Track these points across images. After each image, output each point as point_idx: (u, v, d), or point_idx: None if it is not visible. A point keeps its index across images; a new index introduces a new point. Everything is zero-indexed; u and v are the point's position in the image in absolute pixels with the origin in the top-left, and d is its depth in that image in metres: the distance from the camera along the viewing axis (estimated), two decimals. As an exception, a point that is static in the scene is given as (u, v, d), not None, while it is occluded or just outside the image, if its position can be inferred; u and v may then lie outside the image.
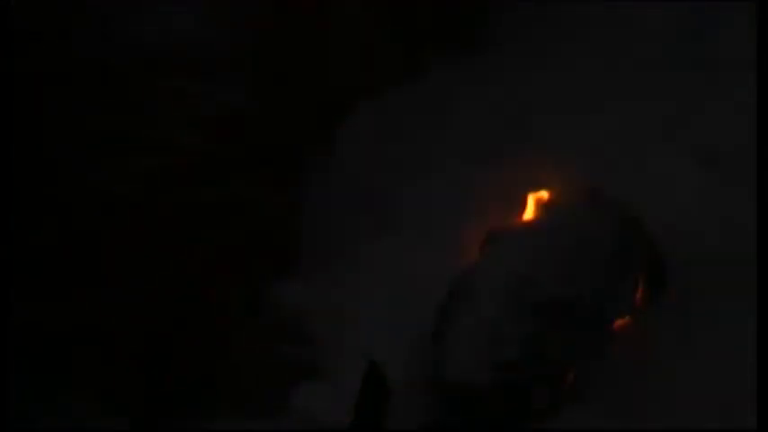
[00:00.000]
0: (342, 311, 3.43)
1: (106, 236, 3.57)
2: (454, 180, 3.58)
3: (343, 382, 3.18)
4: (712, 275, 3.23)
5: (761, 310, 2.97)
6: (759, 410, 2.85)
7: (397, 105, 3.79)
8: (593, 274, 3.03)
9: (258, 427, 3.25)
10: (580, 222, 3.10)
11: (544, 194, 3.24)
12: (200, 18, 3.83)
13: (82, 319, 3.47)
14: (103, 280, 3.54)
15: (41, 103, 3.63)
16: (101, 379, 3.40)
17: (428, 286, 3.28)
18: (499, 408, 2.99)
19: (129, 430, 3.37)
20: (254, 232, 3.67)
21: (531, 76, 3.79)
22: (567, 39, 3.84)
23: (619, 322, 3.07)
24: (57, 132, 3.63)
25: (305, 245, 3.65)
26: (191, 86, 3.76)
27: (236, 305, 3.54)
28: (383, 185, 3.65)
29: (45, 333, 3.44)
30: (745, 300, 3.08)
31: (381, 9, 3.90)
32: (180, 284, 3.54)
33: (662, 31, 3.81)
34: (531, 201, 3.24)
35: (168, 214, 3.63)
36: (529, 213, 3.23)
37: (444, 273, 3.21)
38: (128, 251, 3.58)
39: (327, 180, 3.73)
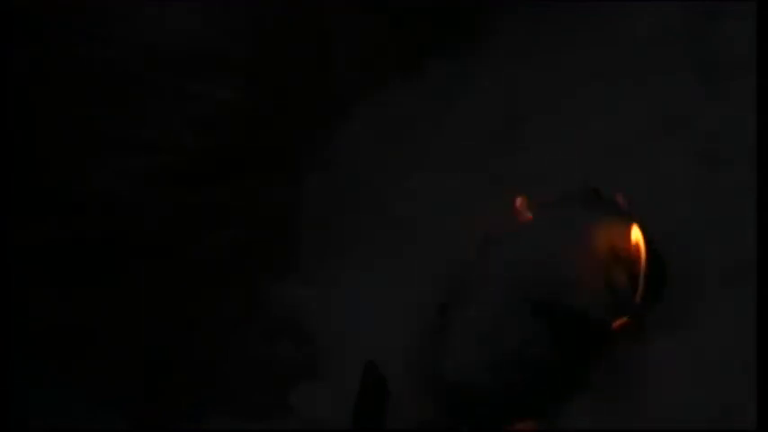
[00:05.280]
0: (342, 311, 3.43)
1: (105, 236, 3.57)
2: (454, 180, 3.58)
3: (342, 382, 3.18)
4: (712, 275, 3.22)
5: (761, 311, 2.97)
6: (759, 410, 2.85)
7: (396, 105, 3.80)
8: (592, 274, 3.02)
9: (258, 427, 3.25)
10: (579, 223, 3.09)
11: (543, 194, 3.23)
12: (200, 18, 3.82)
13: (81, 319, 3.47)
14: (103, 280, 3.54)
15: (40, 102, 3.63)
16: (101, 379, 3.40)
17: (428, 286, 3.28)
18: (499, 408, 2.98)
19: (129, 430, 3.37)
20: (254, 232, 3.67)
21: (531, 76, 3.79)
22: (567, 38, 3.84)
23: (618, 322, 3.07)
24: (56, 132, 3.63)
25: (305, 245, 3.65)
26: (190, 86, 3.75)
27: (236, 305, 3.55)
28: (383, 185, 3.65)
29: (44, 333, 3.44)
30: (744, 299, 3.07)
31: (380, 8, 3.90)
32: (179, 284, 3.54)
33: (663, 31, 3.80)
34: (530, 201, 3.24)
35: (168, 214, 3.63)
36: (528, 213, 3.22)
37: (444, 272, 3.21)
38: (127, 251, 3.58)
39: (327, 180, 3.73)
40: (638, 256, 3.12)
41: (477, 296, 3.04)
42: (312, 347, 3.41)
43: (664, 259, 3.17)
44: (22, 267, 3.44)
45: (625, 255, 3.10)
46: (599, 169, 3.39)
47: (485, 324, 3.00)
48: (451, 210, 3.47)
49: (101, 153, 3.65)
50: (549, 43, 3.83)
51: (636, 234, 3.15)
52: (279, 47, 3.86)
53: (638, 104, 3.63)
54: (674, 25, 3.79)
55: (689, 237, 3.26)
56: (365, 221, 3.60)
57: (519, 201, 3.20)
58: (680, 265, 3.19)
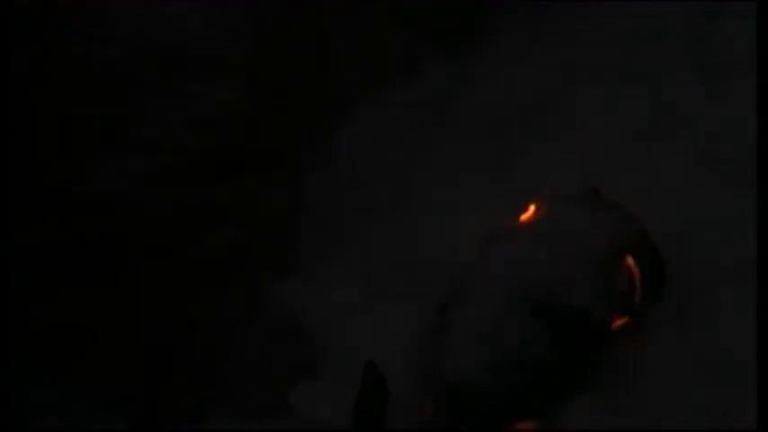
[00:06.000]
0: (342, 311, 3.43)
1: (105, 236, 3.57)
2: (453, 180, 3.59)
3: (342, 383, 3.18)
4: (712, 275, 3.23)
5: (761, 311, 2.97)
6: (759, 410, 2.85)
7: (396, 105, 3.80)
8: (592, 274, 3.02)
9: (258, 427, 3.25)
10: (579, 223, 3.10)
11: (543, 195, 3.23)
12: (200, 18, 3.82)
13: (81, 319, 3.47)
14: (103, 280, 3.54)
15: (40, 102, 3.63)
16: (101, 379, 3.41)
17: (428, 286, 3.28)
18: (499, 408, 2.99)
19: (129, 430, 3.37)
20: (254, 232, 3.67)
21: (531, 76, 3.79)
22: (567, 38, 3.84)
23: (618, 323, 3.07)
24: (56, 132, 3.63)
25: (305, 245, 3.65)
26: (190, 86, 3.76)
27: (236, 305, 3.55)
28: (383, 185, 3.65)
29: (44, 333, 3.44)
30: (744, 299, 3.08)
31: (380, 8, 3.90)
32: (179, 284, 3.54)
33: (663, 31, 3.81)
34: (530, 201, 3.24)
35: (168, 214, 3.63)
36: (528, 214, 3.23)
37: (444, 272, 3.21)
38: (127, 251, 3.58)
39: (327, 180, 3.73)
40: (638, 257, 3.13)
41: (477, 296, 3.04)
42: (312, 347, 3.42)
43: (664, 259, 3.17)
44: (22, 267, 3.44)
45: (625, 255, 3.10)
46: (599, 169, 3.39)
47: (485, 324, 3.00)
48: (451, 210, 3.47)
49: (101, 153, 3.65)
50: (549, 43, 3.83)
51: (634, 234, 3.16)
52: (279, 47, 3.86)
53: (638, 104, 3.64)
54: (674, 25, 3.79)
55: (689, 237, 3.26)
56: (365, 221, 3.60)
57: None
58: (680, 265, 3.19)
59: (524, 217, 3.23)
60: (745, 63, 3.52)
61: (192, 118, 3.74)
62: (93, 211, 3.60)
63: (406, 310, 3.29)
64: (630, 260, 3.11)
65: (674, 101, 3.62)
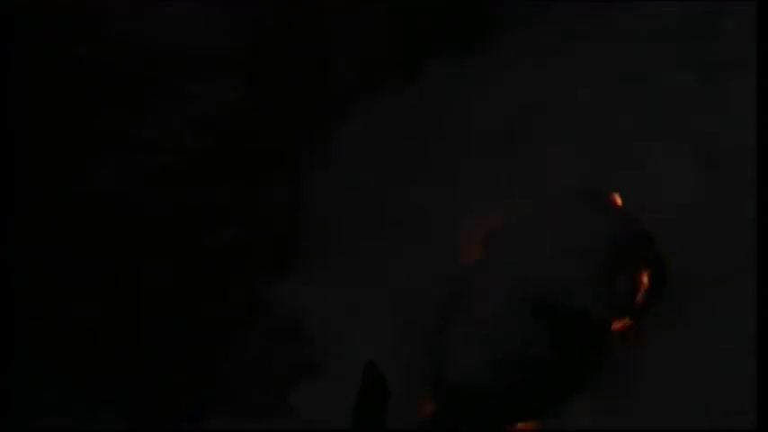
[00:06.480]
0: (342, 311, 3.43)
1: (106, 235, 3.58)
2: (454, 180, 3.58)
3: (342, 383, 3.18)
4: (712, 275, 3.23)
5: (761, 311, 2.97)
6: (759, 410, 2.85)
7: (396, 105, 3.80)
8: (592, 274, 3.03)
9: (258, 427, 3.26)
10: (579, 223, 3.10)
11: (544, 194, 3.24)
12: (200, 18, 3.83)
13: (81, 319, 3.48)
14: (103, 279, 3.54)
15: (40, 102, 3.64)
16: (101, 379, 3.41)
17: (428, 286, 3.28)
18: (499, 408, 2.99)
19: (129, 430, 3.37)
20: (254, 232, 3.68)
21: (531, 76, 3.79)
22: (567, 38, 3.85)
23: (618, 322, 3.07)
24: (56, 132, 3.64)
25: (305, 245, 3.65)
26: (190, 86, 3.76)
27: (236, 305, 3.55)
28: (382, 185, 3.65)
29: (45, 333, 3.45)
30: (744, 299, 3.08)
31: (381, 9, 3.90)
32: (179, 284, 3.54)
33: (663, 31, 3.81)
34: (530, 201, 3.24)
35: (168, 214, 3.64)
36: (528, 214, 3.23)
37: (444, 273, 3.21)
38: (127, 251, 3.59)
39: (327, 180, 3.73)
40: (638, 257, 3.13)
41: (478, 296, 3.04)
42: (312, 347, 3.42)
43: (664, 259, 3.17)
44: (22, 267, 3.44)
45: (625, 255, 3.10)
46: (599, 169, 3.39)
47: (485, 324, 3.00)
48: (451, 211, 3.47)
49: (101, 153, 3.66)
50: (550, 43, 3.84)
51: (634, 235, 3.16)
52: (279, 47, 3.87)
53: (638, 104, 3.64)
54: (673, 25, 3.80)
55: (689, 237, 3.26)
56: (365, 221, 3.60)
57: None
58: (680, 265, 3.19)
59: (525, 217, 3.23)
60: (745, 63, 3.52)
61: (191, 118, 3.75)
62: (93, 211, 3.60)
63: (407, 310, 3.29)
64: (630, 260, 3.11)
65: (674, 101, 3.62)
